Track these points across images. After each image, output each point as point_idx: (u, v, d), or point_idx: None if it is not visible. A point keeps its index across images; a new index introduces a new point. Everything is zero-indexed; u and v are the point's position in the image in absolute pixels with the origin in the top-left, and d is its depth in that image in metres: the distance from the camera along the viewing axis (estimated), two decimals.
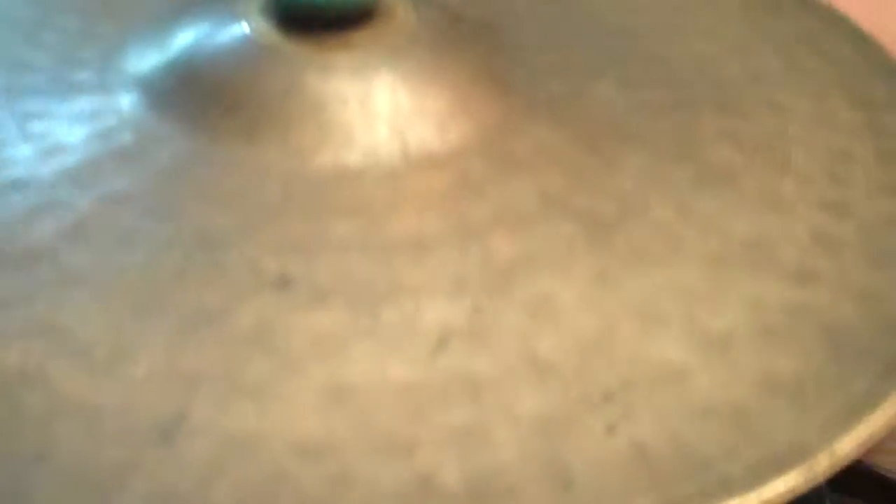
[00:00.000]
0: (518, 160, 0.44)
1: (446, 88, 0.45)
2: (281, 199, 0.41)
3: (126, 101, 0.45)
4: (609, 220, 0.42)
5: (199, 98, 0.44)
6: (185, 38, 0.46)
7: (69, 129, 0.45)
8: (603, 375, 0.37)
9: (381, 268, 0.39)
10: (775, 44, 0.54)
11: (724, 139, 0.47)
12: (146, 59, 0.46)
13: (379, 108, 0.44)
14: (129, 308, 0.38)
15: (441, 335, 0.38)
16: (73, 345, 0.36)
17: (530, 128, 0.46)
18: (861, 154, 0.48)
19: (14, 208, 0.41)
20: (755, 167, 0.46)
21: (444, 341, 0.38)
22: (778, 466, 0.35)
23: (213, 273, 0.39)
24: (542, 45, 0.49)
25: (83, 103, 0.46)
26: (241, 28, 0.46)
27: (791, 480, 0.35)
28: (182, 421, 0.34)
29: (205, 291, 0.38)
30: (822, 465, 0.36)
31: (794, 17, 0.56)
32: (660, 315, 0.39)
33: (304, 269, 0.39)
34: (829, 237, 0.43)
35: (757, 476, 0.35)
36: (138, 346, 0.36)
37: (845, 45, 0.54)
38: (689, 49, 0.52)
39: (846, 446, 0.36)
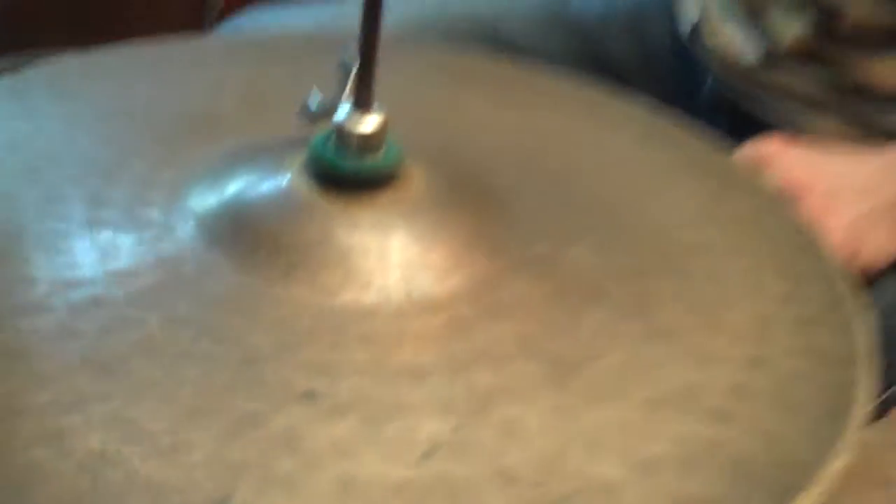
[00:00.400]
0: (501, 308, 0.54)
1: (447, 246, 0.56)
2: (310, 329, 0.52)
3: (187, 236, 0.55)
4: (570, 362, 0.52)
5: (247, 239, 0.55)
6: (237, 185, 0.57)
7: (139, 257, 0.55)
8: (556, 485, 0.47)
9: (386, 389, 0.50)
10: (724, 220, 0.65)
11: (672, 301, 0.57)
12: (204, 201, 0.57)
13: (393, 259, 0.55)
14: (188, 409, 0.48)
15: (430, 445, 0.48)
16: (143, 435, 0.47)
17: (514, 282, 0.56)
18: (783, 319, 0.58)
19: (95, 323, 0.51)
20: (695, 326, 0.56)
21: (432, 450, 0.48)
22: None
23: (254, 386, 0.49)
24: (529, 211, 0.60)
25: (151, 236, 0.56)
26: (284, 182, 0.57)
27: None
28: (228, 501, 0.44)
29: (247, 400, 0.48)
30: None
31: (743, 199, 0.67)
32: (604, 442, 0.49)
33: (327, 387, 0.49)
34: (747, 387, 0.54)
35: None
36: (194, 439, 0.46)
37: (781, 226, 0.65)
38: (652, 220, 0.63)
39: None
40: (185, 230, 0.56)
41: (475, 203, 0.59)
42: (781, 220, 0.66)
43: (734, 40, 1.16)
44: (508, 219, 0.59)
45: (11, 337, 0.50)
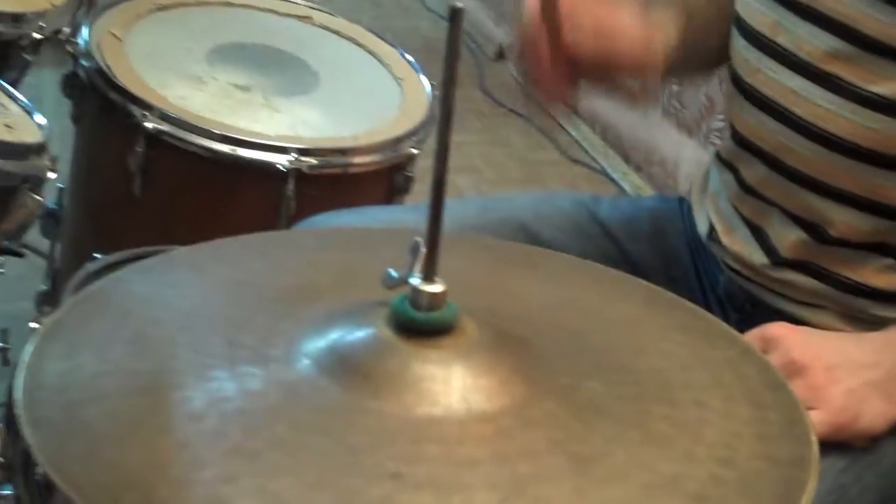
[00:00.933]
0: (535, 420, 0.73)
1: (495, 376, 0.75)
2: (395, 432, 0.71)
3: (302, 368, 0.75)
4: (586, 458, 0.71)
5: (347, 370, 0.74)
6: (338, 332, 0.77)
7: (268, 382, 0.74)
8: None
9: (451, 473, 0.68)
10: (708, 364, 0.84)
11: (663, 420, 0.76)
12: (315, 344, 0.76)
13: (454, 384, 0.74)
14: (310, 484, 0.66)
15: None
16: (279, 500, 0.65)
17: (544, 403, 0.75)
18: (750, 434, 0.77)
19: (239, 426, 0.71)
20: (680, 436, 0.75)
21: None
22: None
23: (356, 469, 0.68)
24: (555, 354, 0.79)
25: (276, 368, 0.76)
26: (372, 331, 0.76)
27: None
28: None
29: (352, 478, 0.67)
30: None
31: (722, 348, 0.86)
32: None
33: (409, 471, 0.68)
34: (720, 478, 0.72)
35: None
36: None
37: (754, 369, 0.84)
38: (650, 363, 0.82)
39: None
40: (301, 364, 0.75)
41: (514, 347, 0.78)
42: (755, 364, 0.85)
43: (744, 244, 1.35)
44: (540, 359, 0.79)
45: (180, 435, 0.69)
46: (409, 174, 1.80)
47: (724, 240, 1.37)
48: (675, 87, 2.94)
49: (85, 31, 1.78)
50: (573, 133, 3.18)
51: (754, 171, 1.36)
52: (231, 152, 1.68)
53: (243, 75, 1.81)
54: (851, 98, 1.23)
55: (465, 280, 0.79)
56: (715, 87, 2.83)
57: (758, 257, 1.34)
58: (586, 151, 3.13)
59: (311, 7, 2.01)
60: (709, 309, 1.41)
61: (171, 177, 1.72)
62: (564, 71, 1.27)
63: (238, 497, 0.65)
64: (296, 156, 1.68)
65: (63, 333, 0.76)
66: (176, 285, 0.84)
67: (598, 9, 1.26)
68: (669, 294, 0.92)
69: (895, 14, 1.20)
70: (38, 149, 1.30)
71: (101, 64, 1.74)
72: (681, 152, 2.91)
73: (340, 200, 1.63)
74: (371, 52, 1.94)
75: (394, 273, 0.77)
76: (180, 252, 0.89)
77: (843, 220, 1.28)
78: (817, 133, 1.26)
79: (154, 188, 1.70)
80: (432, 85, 1.88)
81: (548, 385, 0.76)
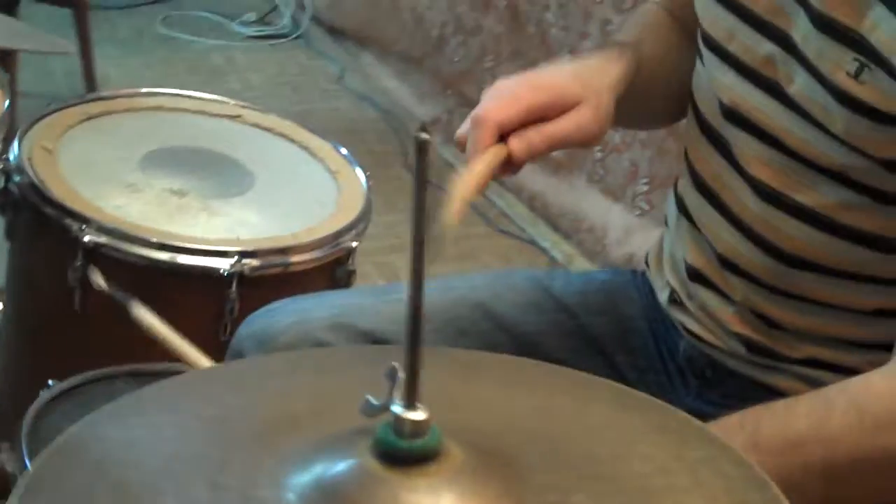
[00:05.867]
0: None
1: (482, 498, 0.75)
2: None
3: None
4: None
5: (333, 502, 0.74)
6: (322, 466, 0.77)
7: None
8: None
9: None
10: (685, 465, 0.84)
11: None
12: (299, 479, 0.76)
13: None
14: None
15: None
16: None
17: None
18: None
19: None
20: None
21: None
22: None
23: None
24: (539, 469, 0.80)
25: None
26: (356, 462, 0.76)
27: None
28: None
29: None
30: None
31: (699, 448, 0.87)
32: None
33: None
34: None
35: None
36: None
37: (733, 467, 0.85)
38: (631, 469, 0.83)
39: None
40: (288, 500, 0.75)
41: (500, 467, 0.78)
42: (734, 462, 0.85)
43: (708, 303, 1.37)
44: (525, 477, 0.79)
45: None
46: (351, 268, 1.81)
47: (689, 301, 1.38)
48: (598, 154, 2.97)
49: (15, 146, 1.77)
50: (499, 204, 3.21)
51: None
52: (171, 260, 1.68)
53: (178, 180, 1.81)
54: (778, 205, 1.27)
55: (440, 398, 0.79)
56: (638, 151, 2.86)
57: (720, 306, 1.35)
58: (514, 222, 3.15)
59: (240, 106, 2.01)
60: (668, 376, 1.44)
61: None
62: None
63: None
64: (237, 258, 1.68)
65: (43, 489, 0.75)
66: (151, 426, 0.84)
67: (546, 126, 1.27)
68: (640, 394, 0.92)
69: (815, 131, 1.23)
70: None
71: (34, 178, 1.73)
72: (608, 218, 2.94)
73: (283, 299, 1.63)
74: (304, 148, 1.95)
75: (373, 401, 0.77)
76: (149, 391, 0.88)
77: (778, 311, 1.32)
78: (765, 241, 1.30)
79: (95, 302, 1.69)
80: (367, 176, 1.89)
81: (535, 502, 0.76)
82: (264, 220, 1.78)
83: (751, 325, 1.35)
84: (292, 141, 1.96)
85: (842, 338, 1.31)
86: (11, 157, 1.76)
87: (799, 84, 1.25)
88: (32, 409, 1.20)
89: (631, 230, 2.86)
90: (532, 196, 3.15)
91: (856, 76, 1.19)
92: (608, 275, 1.58)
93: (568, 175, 3.07)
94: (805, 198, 1.26)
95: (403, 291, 1.51)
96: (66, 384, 1.24)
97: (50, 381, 1.25)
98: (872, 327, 1.30)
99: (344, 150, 1.95)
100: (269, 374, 0.90)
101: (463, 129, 1.27)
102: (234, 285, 1.68)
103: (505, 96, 1.27)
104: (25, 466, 1.12)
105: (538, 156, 1.27)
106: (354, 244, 1.79)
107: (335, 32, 3.92)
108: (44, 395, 1.22)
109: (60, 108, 1.89)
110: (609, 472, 0.81)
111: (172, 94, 2.00)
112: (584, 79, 1.30)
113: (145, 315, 1.38)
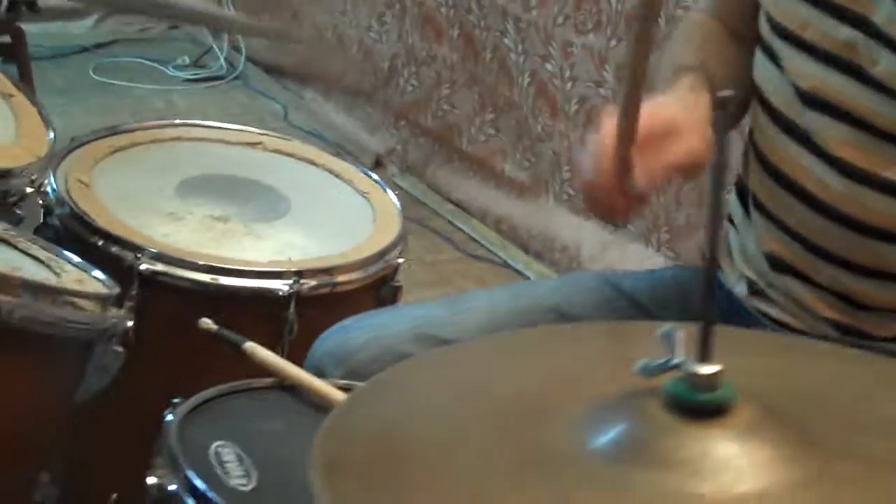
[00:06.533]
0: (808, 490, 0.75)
1: (770, 452, 0.78)
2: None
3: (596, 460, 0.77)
4: None
5: (639, 454, 0.76)
6: (615, 424, 0.78)
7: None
8: None
9: None
10: None
11: None
12: (595, 439, 0.78)
13: (731, 462, 0.76)
14: None
15: None
16: None
17: (839, 467, 0.77)
18: None
19: None
20: None
21: None
22: None
23: None
24: (831, 431, 0.81)
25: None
26: (651, 417, 0.78)
27: None
28: None
29: None
30: None
31: None
32: None
33: None
34: None
35: None
36: None
37: None
38: None
39: None
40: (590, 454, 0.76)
41: (787, 426, 0.80)
42: None
43: (792, 289, 1.41)
44: (808, 438, 0.80)
45: None
46: (397, 284, 1.82)
47: (771, 290, 1.42)
48: (566, 175, 3.02)
49: (52, 180, 1.75)
50: (467, 230, 3.24)
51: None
52: (229, 284, 1.67)
53: (217, 206, 1.81)
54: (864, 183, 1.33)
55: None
56: None
57: (807, 292, 1.39)
58: (484, 246, 3.19)
59: (259, 133, 2.02)
60: None
61: (167, 317, 1.69)
62: (629, 199, 1.32)
63: None
64: (294, 279, 1.68)
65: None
66: (433, 392, 0.85)
67: (664, 152, 1.31)
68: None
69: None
70: (109, 299, 1.27)
71: (77, 210, 1.71)
72: (581, 235, 2.99)
73: (334, 318, 1.63)
74: (330, 171, 1.96)
75: (656, 361, 0.79)
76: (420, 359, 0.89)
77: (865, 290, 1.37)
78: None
79: (151, 331, 1.67)
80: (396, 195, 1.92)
81: (834, 453, 0.78)
82: (310, 241, 1.78)
83: (838, 307, 1.39)
84: (317, 165, 1.97)
85: None
86: (49, 190, 1.74)
87: (884, 65, 1.30)
88: (173, 426, 1.19)
89: (606, 245, 2.91)
90: (499, 220, 3.19)
91: None
92: (674, 271, 1.62)
93: (534, 198, 3.11)
94: (893, 174, 1.32)
95: (471, 301, 1.56)
96: (191, 402, 1.24)
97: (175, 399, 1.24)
98: None
99: (369, 171, 1.97)
100: (522, 350, 0.91)
101: (585, 162, 1.31)
102: (293, 306, 1.68)
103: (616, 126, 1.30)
104: (188, 477, 1.12)
105: (657, 186, 1.31)
106: (400, 260, 1.80)
107: (274, 71, 3.93)
108: (179, 410, 1.21)
109: (85, 143, 1.88)
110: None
111: (191, 125, 2.00)
112: (688, 110, 1.34)
113: (257, 349, 1.39)
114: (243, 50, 3.99)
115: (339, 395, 1.32)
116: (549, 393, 0.83)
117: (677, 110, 1.34)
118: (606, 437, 0.77)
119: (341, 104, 3.65)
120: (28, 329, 1.14)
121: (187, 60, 4.07)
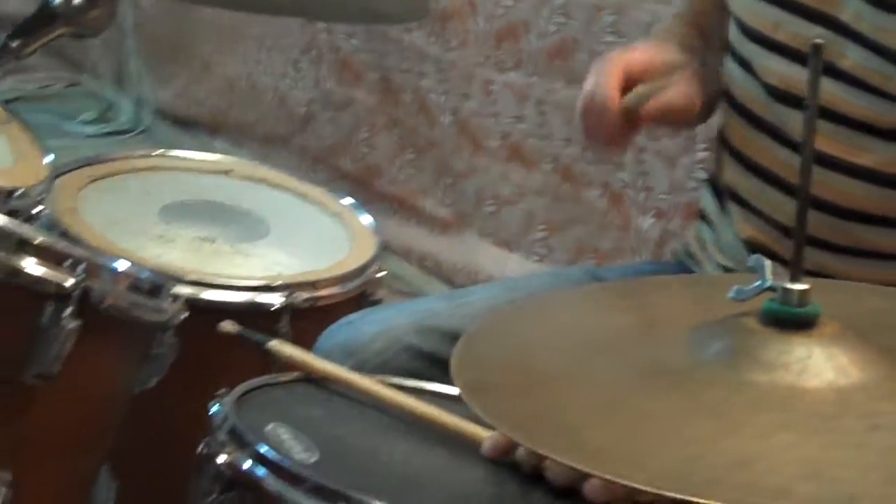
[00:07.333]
0: (878, 389, 0.87)
1: (847, 358, 0.89)
2: (772, 385, 0.85)
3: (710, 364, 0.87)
4: None
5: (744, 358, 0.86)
6: (720, 339, 0.89)
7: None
8: None
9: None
10: None
11: None
12: (702, 351, 0.88)
13: (816, 366, 0.87)
14: None
15: None
16: None
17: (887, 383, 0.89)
18: None
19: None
20: None
21: None
22: None
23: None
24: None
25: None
26: (750, 329, 0.89)
27: None
28: None
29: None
30: None
31: None
32: None
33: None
34: None
35: None
36: None
37: None
38: None
39: None
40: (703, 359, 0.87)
41: (869, 341, 0.91)
42: None
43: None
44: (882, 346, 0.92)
45: None
46: (376, 298, 1.91)
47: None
48: (490, 209, 3.13)
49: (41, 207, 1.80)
50: (391, 268, 3.32)
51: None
52: (226, 300, 1.74)
53: (203, 229, 1.88)
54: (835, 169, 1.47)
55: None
56: (533, 200, 3.03)
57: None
58: (408, 283, 3.27)
59: (231, 160, 2.10)
60: None
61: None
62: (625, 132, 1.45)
63: None
64: (288, 292, 1.76)
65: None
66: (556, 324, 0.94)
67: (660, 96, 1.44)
68: None
69: (869, 97, 1.43)
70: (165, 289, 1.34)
71: (72, 234, 1.76)
72: (506, 267, 3.09)
73: (320, 330, 1.72)
74: (301, 195, 2.04)
75: (748, 287, 0.90)
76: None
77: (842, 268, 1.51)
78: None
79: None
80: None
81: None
82: (294, 259, 1.86)
83: None
84: (287, 190, 2.05)
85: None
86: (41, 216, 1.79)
87: (853, 58, 1.44)
88: (231, 409, 1.26)
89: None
90: (422, 257, 3.28)
91: None
92: (652, 266, 1.75)
93: (458, 233, 3.21)
94: (862, 159, 1.45)
95: (469, 295, 1.66)
96: (237, 391, 1.31)
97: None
98: None
99: (338, 195, 2.06)
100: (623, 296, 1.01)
101: (589, 83, 1.43)
102: (286, 319, 1.76)
103: (623, 52, 1.43)
104: (259, 452, 1.19)
105: (650, 120, 1.45)
106: (380, 274, 1.90)
107: (182, 123, 3.98)
108: (228, 399, 1.28)
109: (64, 173, 1.94)
110: None
111: (163, 155, 2.07)
112: (681, 52, 1.48)
113: (283, 346, 1.46)
114: (150, 102, 4.04)
115: (368, 383, 1.39)
116: (649, 325, 0.93)
117: (673, 49, 1.48)
118: (714, 349, 0.88)
119: (255, 152, 3.71)
120: (110, 314, 1.20)
121: (92, 115, 4.09)
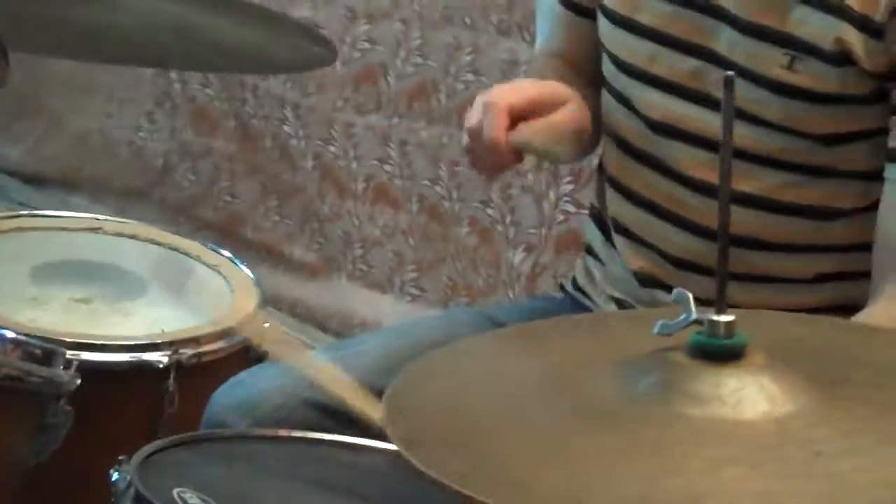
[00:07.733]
0: (811, 421, 0.87)
1: (777, 388, 0.89)
2: (705, 419, 0.85)
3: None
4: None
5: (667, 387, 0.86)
6: (653, 373, 0.88)
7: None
8: None
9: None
10: None
11: None
12: (635, 385, 0.87)
13: (750, 397, 0.87)
14: None
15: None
16: None
17: (820, 411, 0.89)
18: None
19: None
20: None
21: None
22: None
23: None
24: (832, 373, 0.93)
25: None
26: (678, 363, 0.88)
27: None
28: None
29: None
30: None
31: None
32: None
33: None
34: None
35: None
36: None
37: None
38: None
39: None
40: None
41: (798, 368, 0.92)
42: None
43: (662, 301, 1.54)
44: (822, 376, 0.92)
45: None
46: (262, 350, 1.86)
47: (639, 307, 1.56)
48: (358, 252, 3.11)
49: None
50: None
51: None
52: (107, 360, 1.69)
53: (77, 290, 1.83)
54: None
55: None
56: (401, 241, 3.02)
57: None
58: (284, 332, 3.23)
59: (96, 219, 2.04)
60: None
61: None
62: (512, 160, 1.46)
63: None
64: (173, 350, 1.71)
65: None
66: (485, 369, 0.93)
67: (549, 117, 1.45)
68: None
69: (750, 125, 1.45)
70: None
71: None
72: (379, 309, 3.07)
73: (207, 386, 1.68)
74: (176, 249, 1.99)
75: (671, 321, 0.90)
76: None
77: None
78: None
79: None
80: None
81: (835, 388, 0.90)
82: (177, 315, 1.81)
83: None
84: (161, 244, 2.00)
85: (791, 307, 1.52)
86: None
87: None
88: (135, 474, 1.22)
89: (405, 315, 3.00)
90: (293, 303, 3.24)
91: (789, 67, 1.42)
92: (542, 301, 1.74)
93: (326, 279, 3.18)
94: (745, 186, 1.47)
95: (359, 344, 1.64)
96: (141, 453, 1.27)
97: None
98: (817, 293, 1.51)
99: (213, 245, 2.02)
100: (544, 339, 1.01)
101: (473, 118, 1.42)
102: (172, 377, 1.71)
103: (507, 89, 1.43)
104: None
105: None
106: (267, 324, 1.86)
107: (35, 181, 3.88)
108: (131, 464, 1.24)
109: None
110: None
111: (29, 215, 2.01)
112: (564, 86, 1.49)
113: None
114: None
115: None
116: (577, 364, 0.92)
117: (558, 83, 1.49)
118: (645, 385, 0.87)
119: (113, 206, 3.63)
120: (3, 386, 1.15)
121: None
